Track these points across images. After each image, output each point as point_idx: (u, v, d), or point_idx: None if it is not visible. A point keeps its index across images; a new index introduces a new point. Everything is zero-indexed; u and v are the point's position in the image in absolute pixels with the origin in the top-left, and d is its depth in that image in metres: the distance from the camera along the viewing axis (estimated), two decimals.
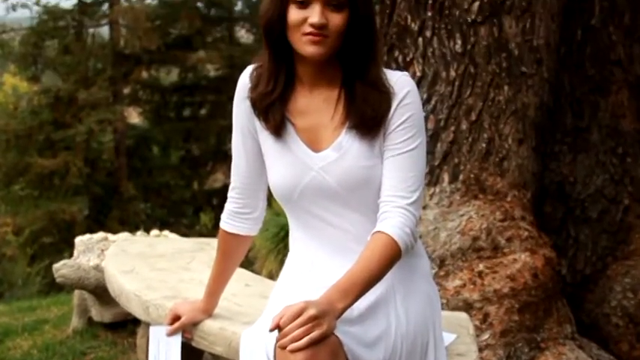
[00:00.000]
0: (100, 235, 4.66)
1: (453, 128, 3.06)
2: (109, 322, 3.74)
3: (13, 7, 17.34)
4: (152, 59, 18.25)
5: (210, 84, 19.22)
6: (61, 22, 17.47)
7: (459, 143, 3.05)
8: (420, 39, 3.14)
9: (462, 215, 2.95)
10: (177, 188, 18.52)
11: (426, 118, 3.03)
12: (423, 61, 3.13)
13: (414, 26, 3.16)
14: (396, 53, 3.21)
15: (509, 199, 3.02)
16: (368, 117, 1.58)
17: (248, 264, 5.64)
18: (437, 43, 3.11)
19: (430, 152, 3.03)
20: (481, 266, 2.86)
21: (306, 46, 1.56)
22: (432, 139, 3.04)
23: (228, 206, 1.82)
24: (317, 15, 1.53)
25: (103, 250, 4.12)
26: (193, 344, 1.97)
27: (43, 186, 16.51)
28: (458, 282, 2.83)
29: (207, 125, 19.17)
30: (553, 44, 3.20)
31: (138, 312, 2.23)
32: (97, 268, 3.67)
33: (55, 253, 14.79)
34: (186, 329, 1.93)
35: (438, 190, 3.02)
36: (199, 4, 19.07)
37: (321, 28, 1.54)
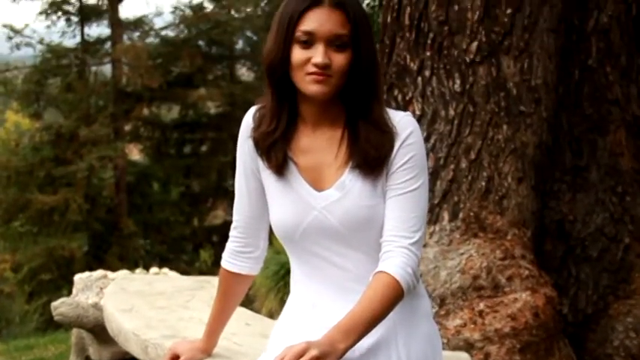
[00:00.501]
0: (99, 272, 4.65)
1: (452, 167, 3.07)
2: None
3: (17, 46, 17.54)
4: (153, 97, 18.39)
5: (210, 121, 19.33)
6: (64, 61, 17.66)
7: (458, 182, 3.06)
8: (419, 78, 3.18)
9: (462, 254, 2.95)
10: (177, 225, 18.48)
11: (426, 157, 3.05)
12: (422, 100, 3.16)
13: (414, 66, 3.19)
14: (396, 92, 3.24)
15: (509, 237, 3.02)
16: (371, 157, 1.59)
17: (248, 302, 5.60)
18: (436, 82, 3.15)
19: (430, 190, 3.03)
20: (482, 305, 2.84)
21: (309, 86, 1.57)
22: (432, 177, 3.06)
23: (229, 245, 1.82)
24: (320, 55, 1.55)
25: (102, 288, 4.10)
26: None
27: (42, 222, 16.48)
28: (459, 321, 2.82)
29: (208, 162, 19.23)
30: (551, 84, 3.23)
31: (136, 351, 2.21)
32: (96, 306, 3.65)
33: (53, 290, 14.70)
34: None
35: (437, 228, 3.03)
36: (200, 43, 19.29)
37: (324, 68, 1.55)
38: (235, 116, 17.55)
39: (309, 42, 1.56)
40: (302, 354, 1.40)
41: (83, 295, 4.12)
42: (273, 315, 5.07)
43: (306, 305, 1.70)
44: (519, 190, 3.08)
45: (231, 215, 1.81)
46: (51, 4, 17.61)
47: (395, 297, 1.56)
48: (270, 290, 5.69)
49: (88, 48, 17.82)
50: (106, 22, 17.98)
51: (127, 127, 18.76)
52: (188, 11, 18.80)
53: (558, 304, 3.00)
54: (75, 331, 3.88)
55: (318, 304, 1.68)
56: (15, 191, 16.35)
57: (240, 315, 2.33)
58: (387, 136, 1.60)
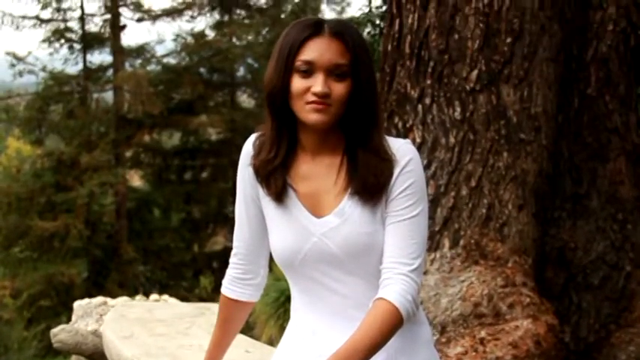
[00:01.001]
0: (99, 299, 4.63)
1: (453, 194, 3.08)
2: None
3: (20, 73, 17.67)
4: (154, 123, 18.47)
5: (211, 147, 19.39)
6: (66, 88, 17.78)
7: (459, 209, 3.06)
8: (420, 106, 3.20)
9: (463, 281, 2.94)
10: (178, 251, 18.45)
11: (426, 184, 3.05)
12: (423, 127, 3.18)
13: (414, 93, 3.22)
14: (396, 119, 3.25)
15: (510, 264, 3.01)
16: (370, 184, 1.59)
17: (247, 329, 5.57)
18: (436, 110, 3.16)
19: (430, 217, 3.04)
20: (483, 333, 2.83)
21: (309, 115, 1.58)
22: (433, 204, 3.06)
23: (229, 272, 1.82)
24: (320, 84, 1.56)
25: (101, 315, 4.08)
26: None
27: (42, 248, 16.46)
28: (460, 349, 2.80)
29: (208, 188, 19.25)
30: (551, 112, 3.25)
31: None
32: (95, 334, 3.63)
33: (52, 317, 14.62)
34: None
35: (438, 255, 3.02)
36: (202, 70, 19.43)
37: (324, 97, 1.56)
38: (236, 143, 17.62)
39: (308, 71, 1.57)
40: None
41: (82, 322, 4.10)
42: (273, 342, 5.04)
43: (306, 332, 1.70)
44: (520, 218, 3.08)
45: (232, 242, 1.81)
46: (54, 32, 17.77)
47: (394, 324, 1.55)
48: (270, 317, 5.67)
49: (90, 75, 17.95)
50: (108, 49, 18.14)
51: (128, 154, 18.82)
52: (189, 39, 18.97)
53: (560, 332, 2.99)
54: (74, 358, 3.86)
55: (318, 331, 1.68)
56: (15, 217, 16.35)
57: (240, 342, 2.32)
58: (386, 163, 1.61)
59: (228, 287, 1.82)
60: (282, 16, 19.42)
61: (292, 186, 1.65)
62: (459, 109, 3.13)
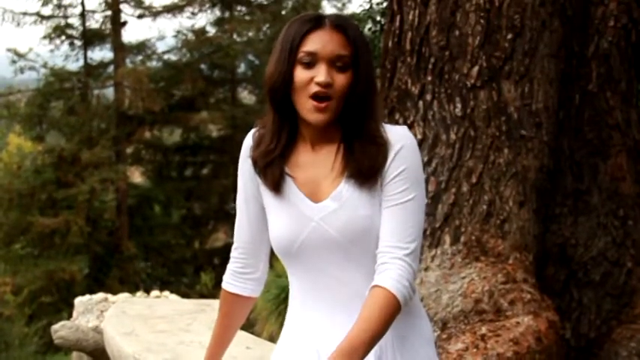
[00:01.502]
0: (100, 295, 4.64)
1: (453, 190, 3.08)
2: None
3: (21, 70, 17.67)
4: (155, 120, 18.48)
5: (212, 144, 19.41)
6: (66, 84, 17.79)
7: (459, 205, 3.06)
8: (421, 102, 3.19)
9: (464, 277, 2.94)
10: (178, 247, 18.47)
11: (427, 180, 3.06)
12: (424, 124, 3.17)
13: (415, 90, 3.21)
14: (397, 116, 3.25)
15: (510, 261, 3.01)
16: (365, 167, 1.62)
17: (248, 326, 5.58)
18: (437, 106, 3.16)
19: (431, 214, 3.04)
20: (484, 329, 2.83)
21: (310, 114, 1.61)
22: (433, 201, 3.06)
23: (230, 266, 1.83)
24: (323, 74, 1.58)
25: (102, 312, 4.09)
26: None
27: (43, 245, 16.48)
28: (460, 345, 2.80)
29: (209, 185, 19.26)
30: (552, 108, 3.25)
31: None
32: (96, 330, 3.64)
33: (53, 313, 14.65)
34: None
35: (439, 252, 3.02)
36: (202, 66, 19.43)
37: (326, 87, 1.58)
38: (237, 139, 17.62)
39: (311, 63, 1.60)
40: None
41: (83, 319, 4.11)
42: (273, 339, 5.05)
43: (304, 321, 1.70)
44: (521, 214, 3.08)
45: (232, 238, 1.81)
46: (55, 29, 17.77)
47: (392, 311, 1.56)
48: (270, 314, 5.67)
49: (91, 71, 17.96)
50: (108, 45, 18.14)
51: (129, 150, 18.83)
52: (190, 35, 18.96)
53: (561, 329, 2.99)
54: (75, 354, 3.87)
55: (316, 318, 1.68)
56: (16, 214, 16.37)
57: (241, 339, 2.33)
58: (381, 148, 1.63)
59: (229, 282, 1.82)
60: (283, 12, 19.41)
61: (290, 175, 1.67)
62: (459, 106, 3.13)
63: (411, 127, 3.19)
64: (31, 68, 17.67)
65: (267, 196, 1.70)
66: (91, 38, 17.92)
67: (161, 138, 19.58)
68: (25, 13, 17.75)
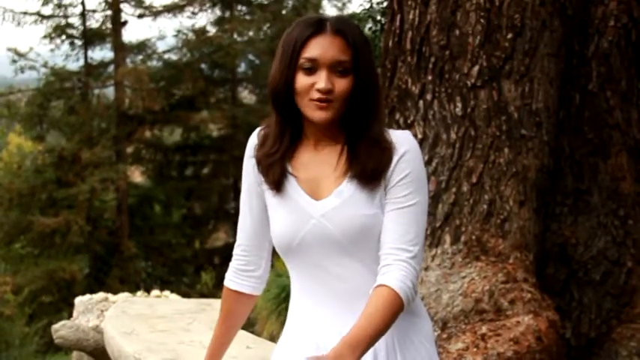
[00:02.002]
0: (100, 295, 4.64)
1: (454, 190, 3.08)
2: None
3: (21, 70, 17.67)
4: (155, 119, 18.47)
5: (212, 144, 19.40)
6: (67, 84, 17.78)
7: (460, 205, 3.06)
8: (421, 102, 3.20)
9: (464, 277, 2.94)
10: (179, 247, 18.47)
11: (428, 180, 3.05)
12: (424, 123, 3.18)
13: (415, 89, 3.21)
14: (397, 115, 3.25)
15: (511, 260, 3.01)
16: (369, 168, 1.64)
17: (249, 325, 5.58)
18: (437, 106, 3.16)
19: (432, 214, 3.04)
20: (484, 329, 2.83)
21: (313, 112, 1.63)
22: (434, 200, 3.06)
23: (232, 264, 1.84)
24: (324, 81, 1.60)
25: (102, 311, 4.09)
26: None
27: (43, 244, 16.48)
28: (460, 345, 2.80)
29: (210, 184, 19.26)
30: (552, 108, 3.25)
31: None
32: (97, 329, 3.64)
33: (54, 313, 14.66)
34: None
35: (439, 251, 3.02)
36: (203, 66, 19.42)
37: (327, 93, 1.60)
38: (237, 139, 17.63)
39: (312, 68, 1.62)
40: None
41: (84, 318, 4.11)
42: (274, 338, 5.05)
43: (305, 319, 1.71)
44: (521, 214, 3.08)
45: (233, 238, 1.83)
46: (55, 28, 17.77)
47: (396, 310, 1.58)
48: (271, 313, 5.68)
49: (91, 71, 17.95)
50: (109, 45, 18.14)
51: (129, 150, 18.83)
52: (191, 35, 18.96)
53: (561, 328, 2.99)
54: (75, 354, 3.87)
55: (317, 315, 1.69)
56: (17, 213, 16.37)
57: (242, 338, 2.33)
58: (385, 151, 1.64)
59: (231, 279, 1.84)
60: (284, 12, 19.41)
61: (293, 173, 1.68)
62: (460, 105, 3.13)
63: (411, 126, 3.20)
64: (32, 68, 17.67)
65: (269, 193, 1.71)
66: (91, 38, 17.91)
67: (161, 137, 19.57)
68: (25, 13, 17.75)
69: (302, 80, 1.61)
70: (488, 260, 2.98)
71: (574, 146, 3.38)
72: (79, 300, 4.43)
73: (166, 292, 5.69)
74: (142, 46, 18.63)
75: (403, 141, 1.66)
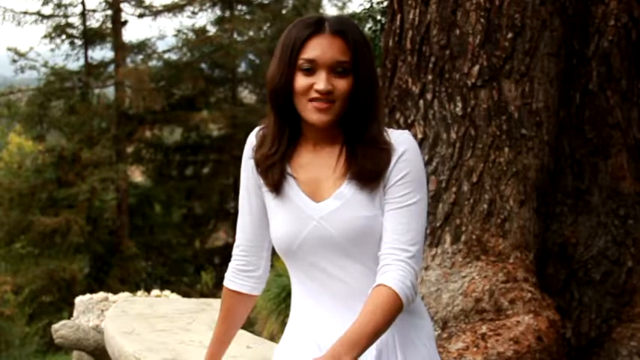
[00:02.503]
0: (101, 295, 4.64)
1: (454, 189, 3.08)
2: None
3: (22, 69, 17.67)
4: (156, 119, 18.47)
5: (212, 143, 19.40)
6: (67, 83, 17.78)
7: (460, 204, 3.06)
8: (421, 101, 3.19)
9: (465, 277, 2.94)
10: (179, 247, 18.47)
11: (428, 179, 3.06)
12: (424, 123, 3.17)
13: (415, 89, 3.21)
14: (398, 115, 3.25)
15: (511, 260, 3.01)
16: (368, 170, 1.63)
17: (249, 325, 5.58)
18: (437, 105, 3.16)
19: (432, 213, 3.04)
20: (484, 328, 2.83)
21: (311, 114, 1.62)
22: (434, 200, 3.06)
23: (232, 264, 1.84)
24: (323, 82, 1.59)
25: (103, 311, 4.09)
26: None
27: (44, 244, 16.48)
28: (461, 344, 2.80)
29: (210, 184, 19.26)
30: (552, 107, 3.25)
31: None
32: (97, 329, 3.64)
33: (54, 313, 14.65)
34: None
35: (439, 251, 3.02)
36: (203, 66, 19.42)
37: (327, 94, 1.60)
38: (237, 139, 17.62)
39: (311, 69, 1.61)
40: None
41: (84, 318, 4.11)
42: (274, 338, 5.05)
43: (306, 319, 1.71)
44: (521, 213, 3.08)
45: (233, 237, 1.82)
46: (55, 28, 17.76)
47: (395, 310, 1.57)
48: (271, 313, 5.68)
49: (92, 71, 17.95)
50: (109, 45, 18.14)
51: (129, 150, 18.83)
52: (191, 34, 18.95)
53: (561, 328, 2.99)
54: (75, 353, 3.87)
55: (318, 316, 1.69)
56: (17, 213, 16.37)
57: (242, 338, 2.33)
58: (384, 152, 1.64)
59: (231, 279, 1.84)
60: (284, 11, 19.41)
61: (292, 175, 1.68)
62: (460, 105, 3.13)
63: (411, 126, 3.19)
64: (32, 67, 17.67)
65: (268, 195, 1.71)
66: (91, 37, 17.91)
67: (161, 137, 19.57)
68: (25, 13, 17.75)
69: (301, 81, 1.61)
70: (488, 260, 2.98)
71: (574, 146, 3.38)
72: (79, 300, 4.43)
73: (166, 292, 5.69)
74: (142, 46, 18.63)
75: (402, 141, 1.65)
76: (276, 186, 1.67)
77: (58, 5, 17.82)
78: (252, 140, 1.74)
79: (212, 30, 19.18)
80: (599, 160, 3.37)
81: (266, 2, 19.55)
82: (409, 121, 3.21)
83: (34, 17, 17.76)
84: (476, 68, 3.13)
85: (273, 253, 1.81)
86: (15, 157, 18.24)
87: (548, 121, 3.21)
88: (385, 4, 6.37)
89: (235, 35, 19.10)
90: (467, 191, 3.07)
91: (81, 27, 17.95)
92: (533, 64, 3.16)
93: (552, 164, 3.28)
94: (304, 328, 1.71)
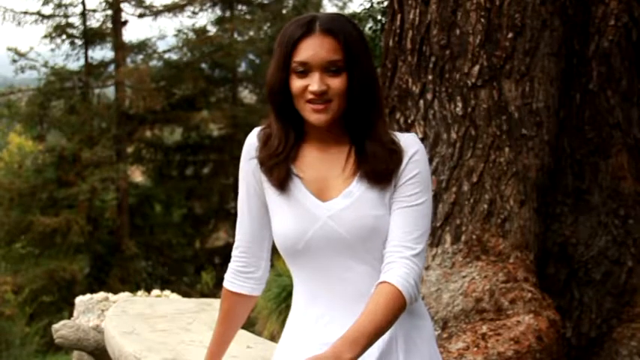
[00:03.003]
0: (101, 295, 4.64)
1: (454, 189, 3.08)
2: None
3: (22, 69, 17.67)
4: (156, 119, 18.47)
5: (213, 143, 19.40)
6: (67, 83, 17.78)
7: (460, 204, 3.06)
8: (421, 101, 3.19)
9: (465, 277, 2.94)
10: (179, 247, 18.47)
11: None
12: (425, 123, 3.17)
13: (416, 89, 3.21)
14: (398, 115, 3.25)
15: (511, 260, 3.01)
16: (379, 169, 1.64)
17: (249, 325, 5.58)
18: (438, 105, 3.16)
19: (432, 213, 3.03)
20: (484, 328, 2.83)
21: (310, 115, 1.62)
22: (434, 200, 3.06)
23: (231, 265, 1.83)
24: (316, 83, 1.59)
25: (103, 311, 4.09)
26: None
27: (44, 244, 16.48)
28: (461, 344, 2.80)
29: (210, 184, 19.26)
30: (552, 107, 3.25)
31: None
32: (97, 329, 3.64)
33: (54, 313, 14.66)
34: None
35: (440, 251, 3.02)
36: (203, 65, 19.42)
37: (321, 95, 1.60)
38: (238, 138, 17.62)
39: (305, 71, 1.61)
40: None
41: (84, 318, 4.11)
42: (274, 338, 5.05)
43: (309, 319, 1.70)
44: (521, 213, 3.08)
45: (233, 237, 1.82)
46: (55, 28, 17.76)
47: (398, 308, 1.57)
48: (271, 313, 5.67)
49: (92, 71, 17.94)
50: (109, 45, 18.13)
51: (130, 149, 18.82)
52: (191, 34, 18.95)
53: (562, 328, 2.99)
54: (76, 353, 3.87)
55: (321, 317, 1.68)
56: (17, 213, 16.37)
57: (242, 337, 2.33)
58: (393, 152, 1.65)
59: (230, 280, 1.83)
60: (284, 11, 19.41)
61: (297, 174, 1.67)
62: (460, 105, 3.13)
63: (411, 126, 3.20)
64: (32, 67, 17.66)
65: (271, 194, 1.70)
66: (91, 37, 17.91)
67: (162, 137, 19.57)
68: (25, 13, 17.75)
69: (296, 83, 1.61)
70: (488, 260, 2.98)
71: (574, 146, 3.38)
72: (79, 299, 4.43)
73: (167, 292, 5.69)
74: (142, 46, 18.63)
75: (412, 142, 1.67)
76: (281, 184, 1.67)
77: (58, 5, 17.82)
78: (253, 141, 1.73)
79: (212, 30, 19.18)
80: (599, 160, 3.37)
81: (266, 2, 19.55)
82: (409, 121, 3.21)
83: (34, 17, 17.76)
84: (476, 68, 3.13)
85: (273, 252, 1.80)
86: (15, 157, 18.24)
87: (548, 121, 3.21)
88: (385, 4, 6.37)
89: (235, 35, 19.10)
90: (467, 191, 3.07)
91: (81, 27, 17.94)
92: (534, 64, 3.16)
93: (552, 164, 3.28)
94: (306, 328, 1.71)
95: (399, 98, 3.26)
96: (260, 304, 5.70)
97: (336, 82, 1.60)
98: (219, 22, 19.27)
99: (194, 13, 19.00)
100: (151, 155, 19.36)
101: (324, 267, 1.66)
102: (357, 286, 1.65)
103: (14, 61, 17.63)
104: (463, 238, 3.01)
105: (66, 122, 17.35)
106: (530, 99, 3.15)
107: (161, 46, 18.85)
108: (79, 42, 17.93)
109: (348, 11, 18.15)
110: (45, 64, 17.63)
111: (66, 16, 17.96)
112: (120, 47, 17.92)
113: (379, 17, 6.79)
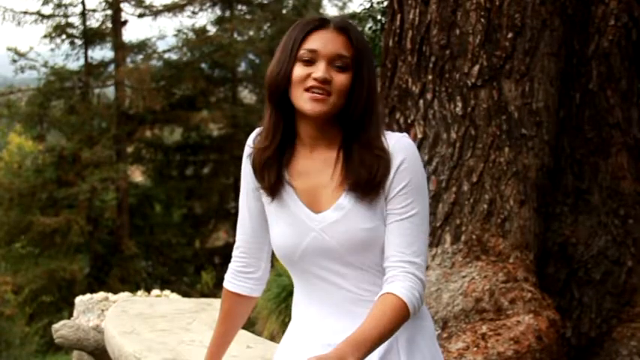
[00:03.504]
0: (101, 294, 4.64)
1: (454, 189, 3.08)
2: None
3: (22, 69, 17.67)
4: (156, 119, 18.47)
5: (213, 143, 19.40)
6: (67, 83, 17.79)
7: (460, 204, 3.06)
8: (421, 101, 3.19)
9: (465, 276, 2.94)
10: (179, 246, 18.48)
11: (428, 180, 3.06)
12: (424, 123, 3.17)
13: (415, 89, 3.21)
14: (398, 115, 3.25)
15: (511, 260, 3.01)
16: (363, 180, 1.62)
17: (249, 325, 5.58)
18: (437, 105, 3.16)
19: (432, 213, 3.04)
20: (484, 328, 2.83)
21: (307, 104, 1.61)
22: (434, 200, 3.06)
23: (231, 265, 1.84)
24: (321, 70, 1.59)
25: (103, 311, 4.09)
26: None
27: (44, 244, 16.48)
28: (461, 344, 2.80)
29: (210, 184, 19.26)
30: (552, 107, 3.25)
31: None
32: (97, 329, 3.64)
33: (54, 313, 14.67)
34: None
35: (440, 251, 3.02)
36: (203, 65, 19.42)
37: (324, 83, 1.60)
38: (237, 138, 17.63)
39: (311, 60, 1.61)
40: None
41: (84, 318, 4.11)
42: (274, 338, 5.05)
43: (307, 324, 1.71)
44: (521, 213, 3.08)
45: (233, 237, 1.82)
46: (55, 28, 17.77)
47: (402, 318, 1.58)
48: (271, 313, 5.67)
49: (92, 71, 17.95)
50: (109, 45, 18.14)
51: (130, 149, 18.83)
52: (191, 34, 18.96)
53: (561, 328, 2.99)
54: (76, 353, 3.87)
55: (318, 323, 1.69)
56: (17, 213, 16.37)
57: (242, 337, 2.33)
58: (381, 160, 1.63)
59: (230, 281, 1.83)
60: (284, 11, 19.41)
61: (290, 183, 1.67)
62: (460, 105, 3.13)
63: (411, 126, 3.20)
64: (32, 67, 17.67)
65: (267, 200, 1.71)
66: (91, 37, 17.91)
67: (162, 137, 19.57)
68: (25, 12, 17.75)
69: (299, 71, 1.61)
70: (488, 260, 2.98)
71: (574, 145, 3.38)
72: (79, 299, 4.43)
73: (167, 292, 5.69)
74: (142, 46, 18.63)
75: (400, 148, 1.64)
76: (272, 190, 1.67)
77: (58, 5, 17.83)
78: (250, 141, 1.75)
79: (212, 30, 19.18)
80: (599, 159, 3.37)
81: (266, 2, 19.55)
82: (409, 121, 3.21)
83: (34, 17, 17.76)
84: (476, 68, 3.13)
85: (273, 253, 1.81)
86: (15, 157, 18.24)
87: (548, 121, 3.21)
88: (385, 4, 6.37)
89: (235, 35, 19.10)
90: (467, 191, 3.07)
91: (81, 27, 17.95)
92: (533, 63, 3.16)
93: (552, 164, 3.28)
94: (305, 330, 1.72)
95: (398, 98, 3.26)
96: (260, 304, 5.70)
97: (341, 78, 1.61)
98: (219, 22, 19.28)
99: (194, 13, 19.01)
100: (150, 155, 19.37)
101: (319, 275, 1.67)
102: (353, 290, 1.66)
103: (14, 61, 17.64)
104: (463, 238, 3.02)
105: (66, 122, 17.36)
106: (530, 99, 3.15)
107: (161, 46, 18.86)
108: (78, 42, 17.94)
109: (348, 11, 18.17)
110: (45, 64, 17.64)
111: (66, 16, 17.97)
112: (120, 47, 17.93)
113: (379, 17, 6.79)
